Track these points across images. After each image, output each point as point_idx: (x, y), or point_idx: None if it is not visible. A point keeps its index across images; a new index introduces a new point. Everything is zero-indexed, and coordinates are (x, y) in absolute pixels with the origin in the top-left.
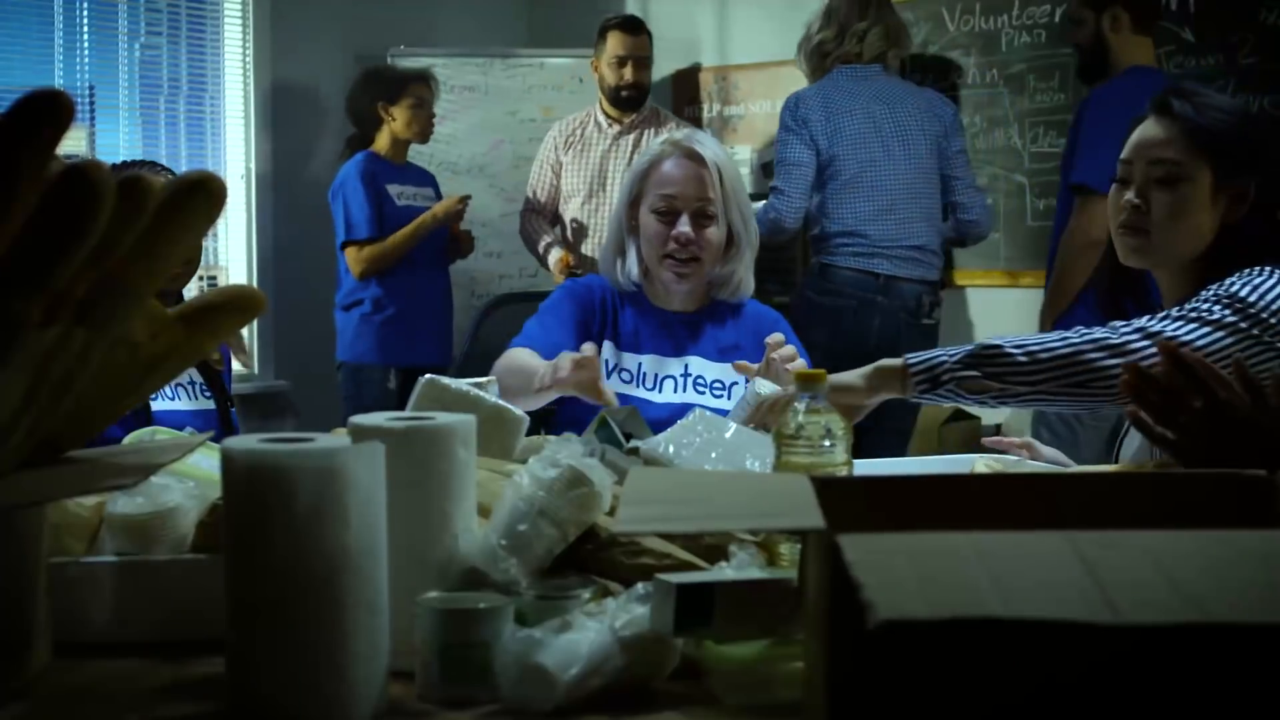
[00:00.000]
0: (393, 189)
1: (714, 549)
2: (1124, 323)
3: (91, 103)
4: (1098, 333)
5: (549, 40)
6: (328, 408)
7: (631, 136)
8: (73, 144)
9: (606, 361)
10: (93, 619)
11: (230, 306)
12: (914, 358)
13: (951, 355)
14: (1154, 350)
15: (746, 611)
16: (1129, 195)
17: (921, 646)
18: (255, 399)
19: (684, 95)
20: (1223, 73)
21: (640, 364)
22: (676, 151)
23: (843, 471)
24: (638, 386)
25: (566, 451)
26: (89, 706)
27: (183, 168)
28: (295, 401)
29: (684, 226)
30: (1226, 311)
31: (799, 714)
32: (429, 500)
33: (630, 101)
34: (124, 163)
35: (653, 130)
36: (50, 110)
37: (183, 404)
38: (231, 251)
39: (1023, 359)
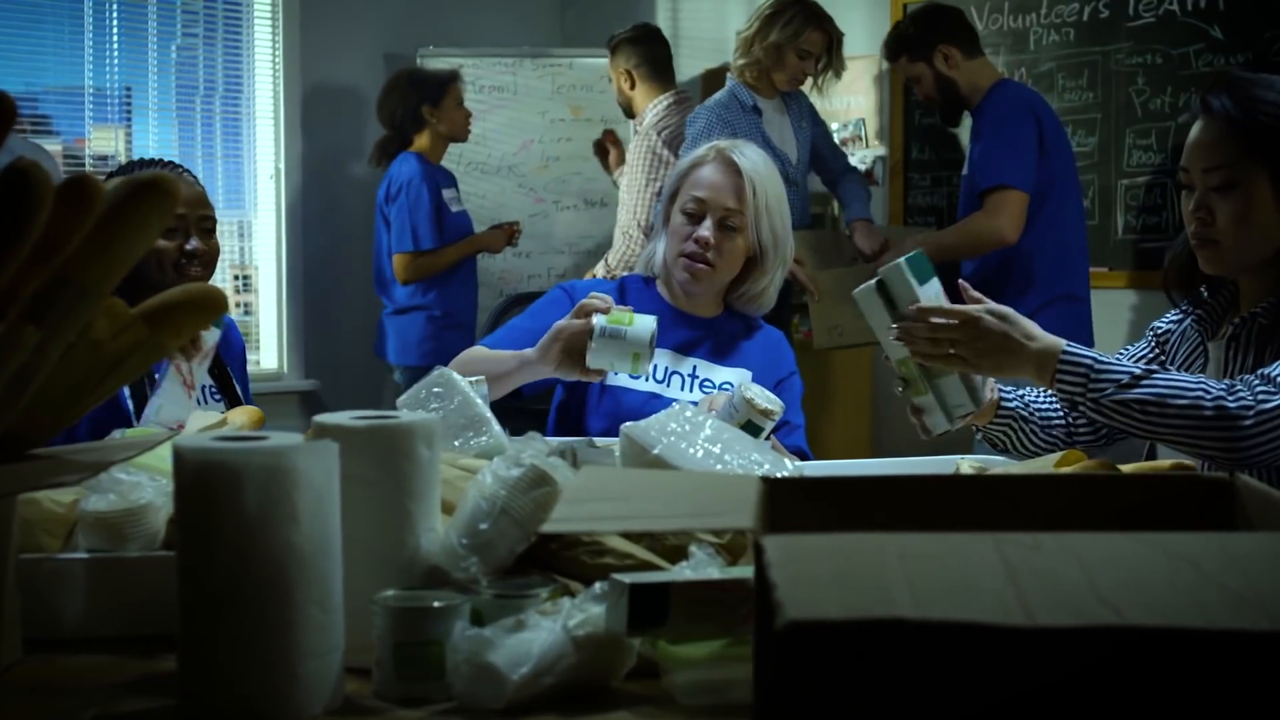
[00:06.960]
0: (445, 194)
1: (678, 549)
2: (1244, 386)
3: (127, 104)
4: (1218, 390)
5: (579, 40)
6: (358, 407)
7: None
8: (109, 144)
9: None
10: (65, 615)
11: (192, 305)
12: (1064, 370)
13: (1091, 387)
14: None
15: (702, 611)
16: (1191, 206)
17: (832, 647)
18: (285, 398)
19: (713, 94)
20: (1252, 71)
21: None
22: (718, 158)
23: None
24: (648, 380)
25: (530, 450)
26: (50, 700)
27: (216, 168)
28: (325, 401)
29: (705, 230)
30: None
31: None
32: (390, 499)
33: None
34: (141, 160)
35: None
36: None
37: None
38: (262, 251)
39: (1140, 417)
